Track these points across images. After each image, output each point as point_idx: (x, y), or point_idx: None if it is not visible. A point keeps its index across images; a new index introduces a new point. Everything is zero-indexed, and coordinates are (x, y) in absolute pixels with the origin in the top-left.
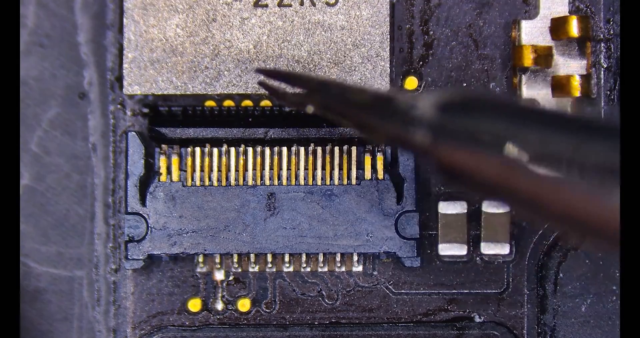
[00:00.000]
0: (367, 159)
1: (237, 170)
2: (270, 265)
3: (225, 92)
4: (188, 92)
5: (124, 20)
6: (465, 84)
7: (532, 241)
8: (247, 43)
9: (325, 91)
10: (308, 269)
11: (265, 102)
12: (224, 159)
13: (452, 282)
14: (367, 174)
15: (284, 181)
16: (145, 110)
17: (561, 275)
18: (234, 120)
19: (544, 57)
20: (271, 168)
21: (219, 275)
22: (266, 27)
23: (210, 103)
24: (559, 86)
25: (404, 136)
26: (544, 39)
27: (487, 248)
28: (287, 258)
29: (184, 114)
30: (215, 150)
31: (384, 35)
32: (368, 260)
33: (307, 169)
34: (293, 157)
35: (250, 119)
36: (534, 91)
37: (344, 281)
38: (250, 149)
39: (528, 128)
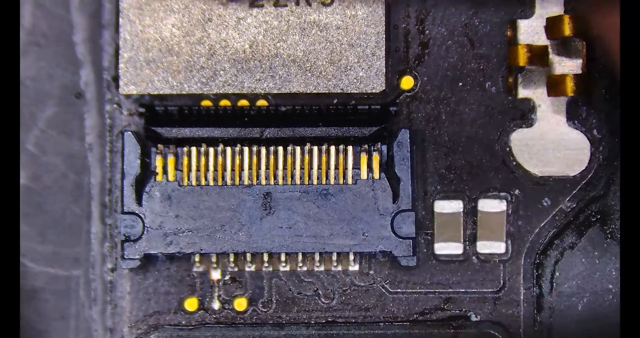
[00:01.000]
0: (363, 158)
1: (233, 170)
2: (266, 265)
3: (221, 91)
4: (184, 92)
5: (120, 20)
6: (461, 84)
7: (529, 240)
8: (243, 43)
9: None
10: (304, 268)
11: (261, 102)
12: (220, 158)
13: (448, 281)
14: (363, 173)
15: (280, 181)
16: (142, 110)
17: (557, 273)
18: (230, 120)
19: (539, 56)
20: (267, 168)
21: (216, 275)
22: (262, 27)
23: (206, 103)
24: (555, 84)
25: None
26: (540, 39)
27: (483, 247)
28: (283, 258)
29: (180, 114)
30: (211, 150)
31: (380, 34)
32: (364, 259)
33: (303, 168)
34: (289, 156)
35: (246, 119)
36: (530, 90)
37: (340, 281)
38: (246, 149)
39: None
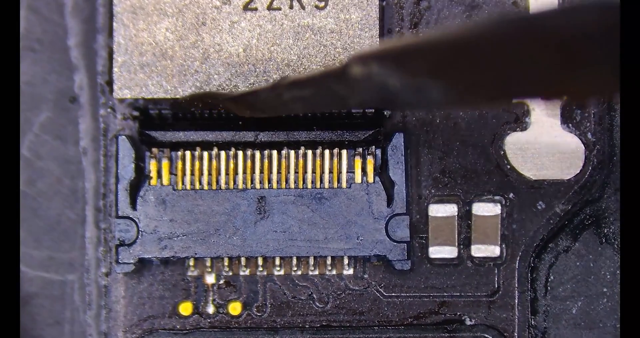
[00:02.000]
0: (357, 162)
1: (227, 173)
2: (261, 269)
3: None
4: (178, 96)
5: (114, 24)
6: None
7: (523, 243)
8: (237, 47)
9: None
10: (299, 272)
11: None
12: (214, 162)
13: (443, 285)
14: (358, 177)
15: (274, 185)
16: (136, 114)
17: (552, 277)
18: (224, 123)
19: None
20: (261, 171)
21: (210, 279)
22: (256, 31)
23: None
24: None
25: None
26: None
27: (478, 251)
28: (277, 262)
29: (174, 118)
30: (205, 154)
31: (374, 38)
32: (359, 263)
33: (298, 172)
34: (283, 160)
35: (240, 123)
36: None
37: (334, 285)
38: (240, 153)
39: None
